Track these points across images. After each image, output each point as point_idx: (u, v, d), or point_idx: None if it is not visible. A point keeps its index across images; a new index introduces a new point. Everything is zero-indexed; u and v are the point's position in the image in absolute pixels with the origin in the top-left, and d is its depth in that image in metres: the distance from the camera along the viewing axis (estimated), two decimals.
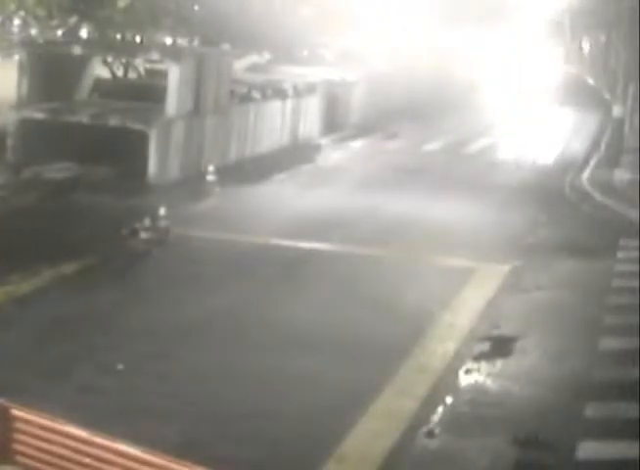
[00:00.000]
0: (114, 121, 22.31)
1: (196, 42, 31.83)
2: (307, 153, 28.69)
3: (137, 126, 22.05)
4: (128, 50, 26.24)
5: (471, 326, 13.75)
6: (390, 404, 10.81)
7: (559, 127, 39.27)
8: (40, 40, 26.15)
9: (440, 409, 10.74)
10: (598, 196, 23.85)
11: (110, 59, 26.49)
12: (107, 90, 25.52)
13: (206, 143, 24.03)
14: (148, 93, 24.18)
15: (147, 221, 16.82)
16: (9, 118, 22.61)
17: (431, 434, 10.11)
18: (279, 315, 13.60)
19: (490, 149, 32.53)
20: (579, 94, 52.66)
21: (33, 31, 27.07)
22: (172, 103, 22.66)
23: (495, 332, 13.49)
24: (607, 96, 48.41)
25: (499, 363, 12.32)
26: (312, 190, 23.19)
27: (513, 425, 10.36)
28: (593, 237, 19.65)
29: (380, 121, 35.09)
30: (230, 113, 25.27)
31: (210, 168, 22.13)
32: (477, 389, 11.48)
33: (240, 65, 30.98)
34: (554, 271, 16.86)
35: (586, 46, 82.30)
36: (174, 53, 24.50)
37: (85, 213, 18.94)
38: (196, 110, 23.49)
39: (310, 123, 30.76)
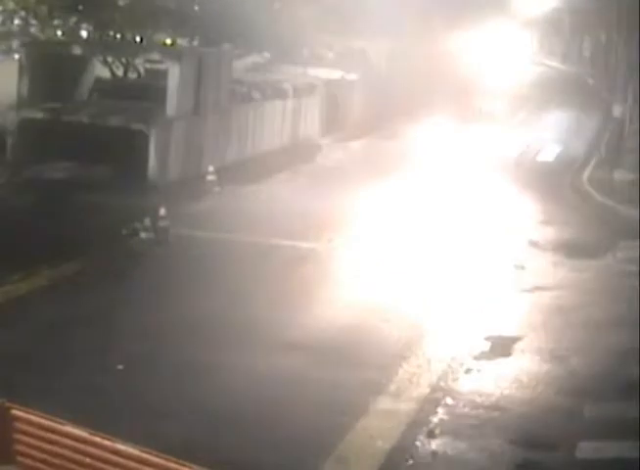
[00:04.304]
0: (114, 121, 22.31)
1: (196, 42, 31.81)
2: (307, 153, 28.68)
3: (137, 126, 22.04)
4: (128, 50, 26.24)
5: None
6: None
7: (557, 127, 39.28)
8: (40, 40, 26.16)
9: None
10: (598, 196, 23.85)
11: (110, 59, 26.48)
12: (107, 90, 25.50)
13: (206, 143, 24.02)
14: (148, 93, 24.17)
15: (147, 221, 16.83)
16: (9, 118, 22.61)
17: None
18: (279, 316, 13.61)
19: (492, 148, 32.49)
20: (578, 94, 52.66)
21: (33, 30, 27.09)
22: (172, 103, 22.65)
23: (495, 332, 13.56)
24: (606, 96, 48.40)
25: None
26: (312, 190, 23.17)
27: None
28: (592, 237, 19.68)
29: (379, 121, 35.07)
30: (230, 113, 25.26)
31: (210, 168, 22.13)
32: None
33: (240, 65, 30.95)
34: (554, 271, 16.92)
35: (586, 46, 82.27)
36: (174, 53, 24.50)
37: (85, 213, 18.93)
38: (196, 110, 23.48)
39: (310, 123, 30.74)
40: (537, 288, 15.79)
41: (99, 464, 7.42)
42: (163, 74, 23.54)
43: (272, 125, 27.79)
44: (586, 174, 27.15)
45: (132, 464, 7.24)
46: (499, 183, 25.73)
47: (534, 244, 18.78)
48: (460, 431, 10.23)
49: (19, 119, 22.56)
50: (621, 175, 26.54)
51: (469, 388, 11.48)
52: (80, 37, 27.74)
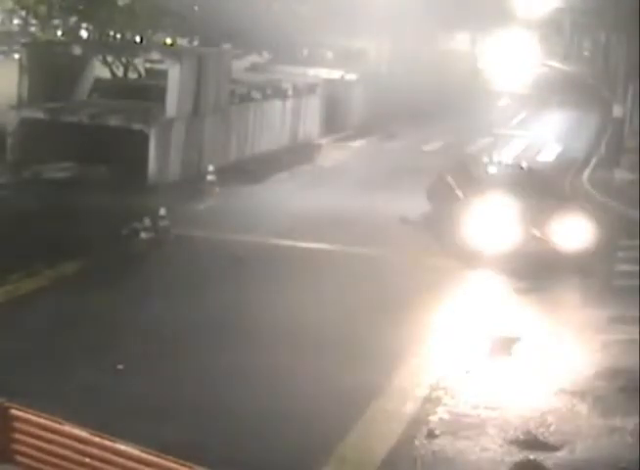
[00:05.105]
0: (114, 121, 22.31)
1: (196, 42, 31.82)
2: (307, 153, 28.67)
3: (137, 126, 22.04)
4: (128, 50, 26.25)
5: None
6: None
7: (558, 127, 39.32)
8: (40, 40, 26.18)
9: None
10: (598, 196, 23.85)
11: (110, 59, 26.52)
12: (107, 90, 25.50)
13: (206, 143, 24.03)
14: (148, 93, 24.18)
15: (147, 221, 16.83)
16: (9, 118, 22.61)
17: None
18: (279, 316, 13.61)
19: (491, 148, 32.51)
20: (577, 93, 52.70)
21: (33, 30, 27.12)
22: (172, 103, 22.65)
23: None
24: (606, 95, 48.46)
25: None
26: (312, 190, 23.18)
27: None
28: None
29: (379, 121, 35.06)
30: (230, 113, 25.26)
31: (210, 168, 22.12)
32: None
33: (240, 65, 30.96)
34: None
35: (586, 46, 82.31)
36: (174, 53, 24.50)
37: (85, 213, 18.92)
38: (196, 110, 23.48)
39: (310, 123, 30.74)
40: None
41: (98, 464, 7.42)
42: (163, 74, 23.55)
43: (272, 125, 27.79)
44: (586, 174, 27.16)
45: (132, 464, 7.24)
46: None
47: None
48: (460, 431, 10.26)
49: (19, 119, 22.56)
50: (621, 175, 26.55)
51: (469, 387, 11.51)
52: (80, 37, 27.75)
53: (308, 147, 29.67)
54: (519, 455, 9.74)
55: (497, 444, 10.00)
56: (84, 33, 28.10)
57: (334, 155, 29.47)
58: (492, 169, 20.50)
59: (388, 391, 11.23)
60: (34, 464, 7.75)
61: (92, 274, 15.26)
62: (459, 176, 19.87)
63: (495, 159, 21.75)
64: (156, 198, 19.29)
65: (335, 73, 34.21)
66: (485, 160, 21.51)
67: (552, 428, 10.39)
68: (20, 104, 23.03)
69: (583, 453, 9.84)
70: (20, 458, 7.80)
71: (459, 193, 18.74)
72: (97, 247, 16.44)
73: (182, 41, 32.34)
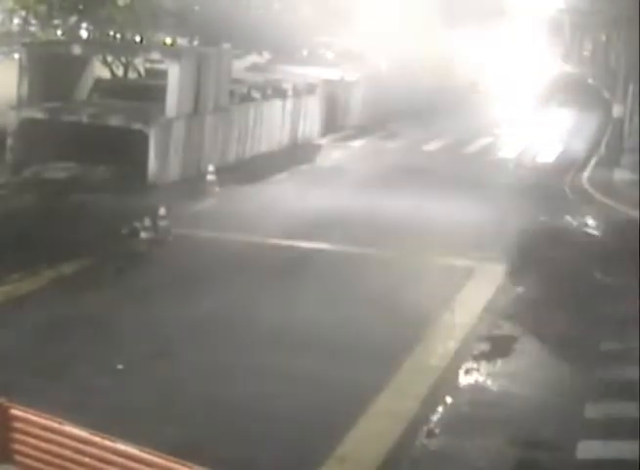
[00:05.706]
0: (113, 121, 22.30)
1: (196, 42, 31.82)
2: (307, 153, 28.68)
3: (137, 126, 22.04)
4: (128, 50, 26.25)
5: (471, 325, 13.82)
6: (391, 404, 10.83)
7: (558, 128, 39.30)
8: (40, 40, 26.17)
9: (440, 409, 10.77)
10: (598, 196, 23.84)
11: (110, 59, 26.50)
12: (107, 90, 25.49)
13: (206, 143, 24.02)
14: (148, 93, 24.17)
15: (147, 221, 16.83)
16: (9, 118, 22.61)
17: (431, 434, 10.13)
18: (278, 316, 13.60)
19: (491, 148, 32.51)
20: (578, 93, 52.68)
21: (33, 30, 27.10)
22: (172, 103, 22.65)
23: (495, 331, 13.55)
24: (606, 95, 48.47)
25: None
26: (312, 190, 23.17)
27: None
28: None
29: (379, 121, 35.08)
30: (230, 113, 25.26)
31: (210, 168, 22.13)
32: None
33: (240, 65, 30.95)
34: None
35: (586, 46, 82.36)
36: (174, 53, 24.49)
37: (85, 213, 18.93)
38: (196, 110, 23.47)
39: (310, 123, 30.74)
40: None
41: (98, 464, 7.42)
42: (163, 74, 23.55)
43: (272, 125, 27.79)
44: (586, 174, 27.16)
45: (132, 464, 7.24)
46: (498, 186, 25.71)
47: None
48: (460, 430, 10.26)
49: (19, 119, 22.56)
50: (621, 175, 26.54)
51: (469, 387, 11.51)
52: (80, 37, 27.75)
53: (308, 147, 29.67)
54: (519, 455, 9.74)
55: (497, 443, 9.99)
56: (84, 33, 28.09)
57: (334, 155, 29.47)
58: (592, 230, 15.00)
59: (388, 390, 11.22)
60: (34, 464, 7.75)
61: (92, 274, 15.26)
62: (566, 250, 15.00)
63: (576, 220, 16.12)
64: (156, 198, 19.29)
65: (335, 73, 34.19)
66: (583, 221, 15.86)
67: (552, 427, 10.40)
68: (20, 104, 23.02)
69: (583, 453, 9.85)
70: (19, 458, 7.80)
71: (602, 276, 13.83)
72: (97, 247, 16.45)
73: (182, 41, 32.33)
